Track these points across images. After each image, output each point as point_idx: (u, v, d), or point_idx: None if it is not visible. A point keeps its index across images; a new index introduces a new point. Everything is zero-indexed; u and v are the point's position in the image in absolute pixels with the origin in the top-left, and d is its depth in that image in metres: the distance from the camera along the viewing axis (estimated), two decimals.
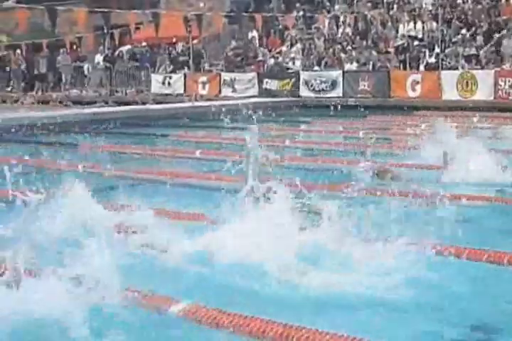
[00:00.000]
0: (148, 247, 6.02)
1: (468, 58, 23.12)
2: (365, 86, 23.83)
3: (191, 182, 9.54)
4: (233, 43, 29.97)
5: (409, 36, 25.48)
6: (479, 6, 25.19)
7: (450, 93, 22.01)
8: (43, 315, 4.47)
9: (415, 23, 25.89)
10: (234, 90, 26.93)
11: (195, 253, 5.72)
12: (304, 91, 25.08)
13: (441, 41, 23.75)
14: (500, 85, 21.06)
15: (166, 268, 5.52)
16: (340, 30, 28.41)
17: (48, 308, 4.51)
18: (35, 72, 33.20)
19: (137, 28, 30.30)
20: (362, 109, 18.64)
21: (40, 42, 33.60)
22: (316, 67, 26.38)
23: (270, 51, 28.90)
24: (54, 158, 9.80)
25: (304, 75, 25.40)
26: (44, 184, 5.76)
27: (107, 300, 4.71)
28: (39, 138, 15.47)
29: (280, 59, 27.81)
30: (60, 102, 28.77)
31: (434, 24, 24.94)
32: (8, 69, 34.95)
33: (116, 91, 30.27)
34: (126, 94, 29.87)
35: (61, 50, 32.23)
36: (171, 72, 29.64)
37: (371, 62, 25.10)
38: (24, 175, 5.51)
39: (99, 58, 31.36)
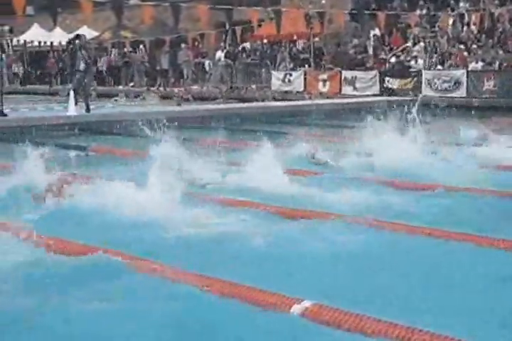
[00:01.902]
0: None
1: None
2: (490, 86, 23.28)
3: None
4: (355, 41, 29.80)
5: None
6: None
7: None
8: None
9: None
10: (355, 88, 26.83)
11: None
12: (426, 91, 24.69)
13: None
14: None
15: None
16: (465, 28, 27.83)
17: None
18: (158, 67, 33.86)
19: (258, 25, 30.44)
20: (487, 110, 18.21)
21: (163, 38, 34.31)
22: (439, 66, 25.93)
23: (392, 49, 28.58)
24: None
25: (426, 74, 25.02)
26: None
27: None
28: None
29: (402, 57, 27.46)
30: (182, 98, 29.21)
31: None
32: (131, 65, 35.79)
33: (237, 88, 30.57)
34: (246, 90, 30.17)
35: (182, 45, 32.80)
36: (291, 69, 29.77)
37: (497, 62, 24.47)
38: None
39: (220, 55, 31.80)
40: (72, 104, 18.54)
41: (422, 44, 27.54)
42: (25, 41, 42.38)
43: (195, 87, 31.92)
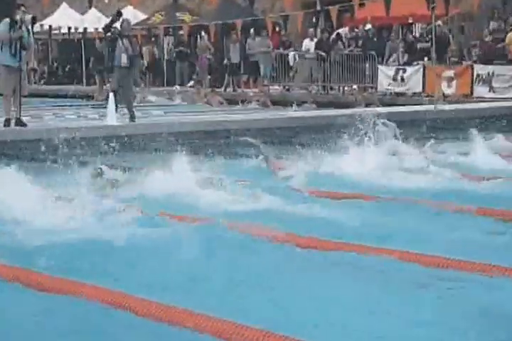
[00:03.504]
0: None
1: None
2: None
3: None
4: (492, 25, 29.24)
5: None
6: None
7: None
8: None
9: None
10: (491, 89, 26.31)
11: None
12: None
13: None
14: None
15: None
16: None
17: None
18: (225, 61, 33.95)
19: (361, 5, 30.35)
20: None
21: (233, 22, 34.28)
22: None
23: None
24: None
25: None
26: None
27: None
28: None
29: None
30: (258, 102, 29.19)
31: None
32: (190, 58, 35.86)
33: (331, 89, 30.48)
34: (344, 92, 29.91)
35: (254, 32, 32.70)
36: (406, 63, 29.33)
37: None
38: None
39: (309, 44, 31.58)
40: (112, 110, 18.41)
41: None
42: (50, 27, 42.75)
43: (275, 88, 32.14)
